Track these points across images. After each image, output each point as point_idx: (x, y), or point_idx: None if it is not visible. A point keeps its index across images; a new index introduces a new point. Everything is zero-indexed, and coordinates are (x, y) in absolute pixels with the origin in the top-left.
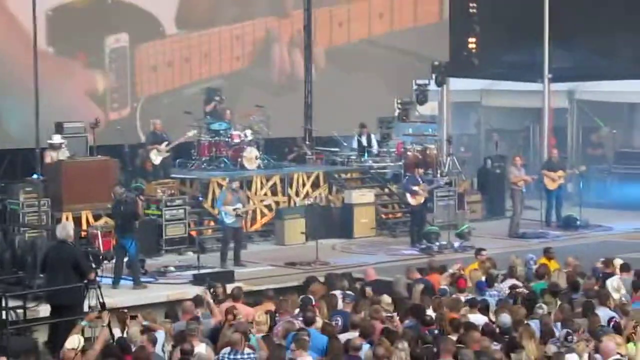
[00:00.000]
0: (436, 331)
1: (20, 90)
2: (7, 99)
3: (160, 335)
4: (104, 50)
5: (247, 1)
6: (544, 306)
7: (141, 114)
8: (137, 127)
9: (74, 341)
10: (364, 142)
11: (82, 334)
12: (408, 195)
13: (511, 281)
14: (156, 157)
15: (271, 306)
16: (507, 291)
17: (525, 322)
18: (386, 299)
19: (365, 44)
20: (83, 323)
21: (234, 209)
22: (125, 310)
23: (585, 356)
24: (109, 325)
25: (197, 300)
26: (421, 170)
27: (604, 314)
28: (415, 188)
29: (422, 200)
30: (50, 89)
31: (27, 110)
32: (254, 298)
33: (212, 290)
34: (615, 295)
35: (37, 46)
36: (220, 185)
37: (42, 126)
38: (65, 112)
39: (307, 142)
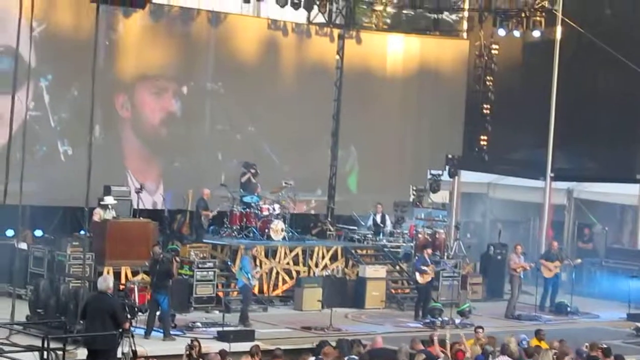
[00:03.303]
0: None
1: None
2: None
3: None
4: None
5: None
6: None
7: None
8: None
9: None
10: (379, 220)
11: None
12: (417, 273)
13: (504, 358)
14: (205, 222)
15: None
16: None
17: None
18: None
19: (388, 135)
20: None
21: (257, 272)
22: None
23: None
24: None
25: (222, 354)
26: (430, 251)
27: None
28: (424, 268)
29: (429, 279)
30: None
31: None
32: (269, 357)
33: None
34: None
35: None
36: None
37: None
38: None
39: (329, 220)
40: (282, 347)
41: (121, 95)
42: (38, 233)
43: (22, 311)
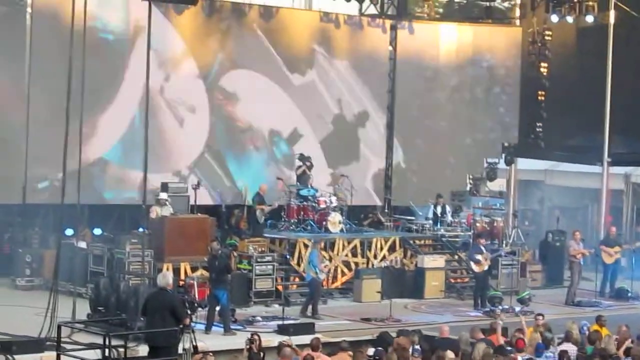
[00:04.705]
0: None
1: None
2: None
3: None
4: None
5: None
6: None
7: None
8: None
9: None
10: (439, 212)
11: None
12: (472, 262)
13: (567, 345)
14: (260, 216)
15: (346, 357)
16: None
17: None
18: (450, 354)
19: (443, 125)
20: None
21: (325, 266)
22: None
23: None
24: None
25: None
26: (483, 241)
27: None
28: (478, 257)
29: (485, 268)
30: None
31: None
32: (330, 349)
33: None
34: None
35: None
36: (305, 245)
37: (149, 185)
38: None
39: (386, 210)
40: (341, 339)
41: None
42: (97, 231)
43: (83, 309)
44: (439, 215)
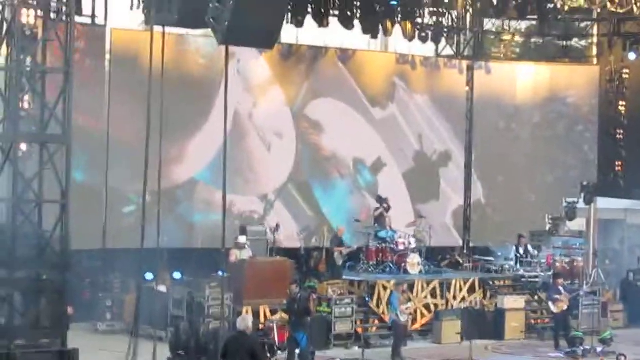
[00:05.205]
0: None
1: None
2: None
3: None
4: None
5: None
6: None
7: None
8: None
9: None
10: (522, 251)
11: None
12: (550, 303)
13: None
14: (338, 259)
15: None
16: None
17: None
18: None
19: (522, 164)
20: None
21: (407, 308)
22: None
23: None
24: None
25: None
26: (561, 280)
27: None
28: (557, 297)
29: (563, 308)
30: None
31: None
32: None
33: None
34: None
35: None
36: (384, 287)
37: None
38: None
39: (465, 251)
40: None
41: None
42: (177, 275)
43: (164, 353)
44: (522, 255)
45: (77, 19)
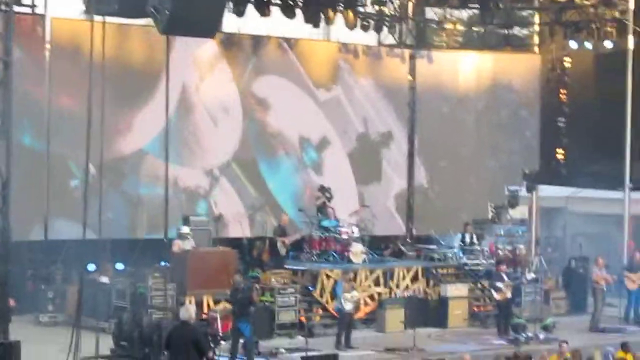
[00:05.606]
0: None
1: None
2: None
3: None
4: None
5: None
6: None
7: None
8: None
9: None
10: (467, 239)
11: None
12: (493, 291)
13: None
14: (282, 248)
15: None
16: None
17: None
18: None
19: (464, 153)
20: None
21: (352, 297)
22: None
23: None
24: None
25: None
26: (504, 268)
27: None
28: (499, 285)
29: (507, 295)
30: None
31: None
32: None
33: None
34: None
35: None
36: (328, 276)
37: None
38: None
39: (408, 240)
40: None
41: None
42: (119, 266)
43: (107, 345)
44: (467, 243)
45: (16, 8)
